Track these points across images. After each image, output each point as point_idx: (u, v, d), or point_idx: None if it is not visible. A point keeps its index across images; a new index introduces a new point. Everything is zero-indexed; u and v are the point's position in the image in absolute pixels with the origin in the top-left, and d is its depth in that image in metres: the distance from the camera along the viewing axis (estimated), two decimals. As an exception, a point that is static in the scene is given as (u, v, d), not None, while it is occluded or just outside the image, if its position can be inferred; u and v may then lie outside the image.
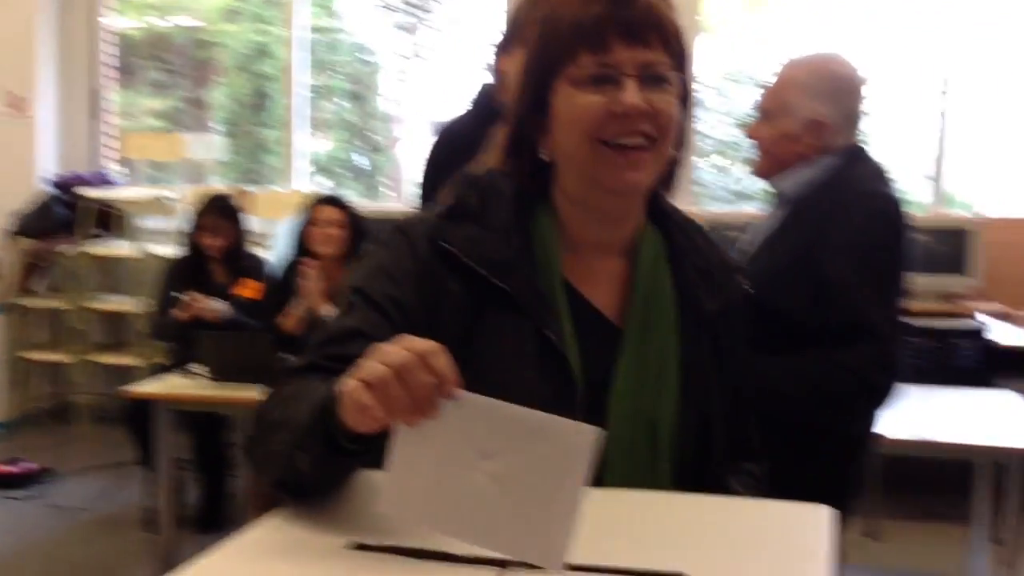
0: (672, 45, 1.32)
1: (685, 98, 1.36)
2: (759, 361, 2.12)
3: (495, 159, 1.47)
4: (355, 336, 1.30)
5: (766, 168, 2.38)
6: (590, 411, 1.30)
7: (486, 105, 2.71)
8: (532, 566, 1.02)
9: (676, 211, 1.49)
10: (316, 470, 1.15)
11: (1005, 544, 3.17)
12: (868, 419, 2.33)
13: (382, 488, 1.07)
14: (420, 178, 2.82)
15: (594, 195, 1.35)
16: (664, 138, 1.32)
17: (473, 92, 2.83)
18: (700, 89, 5.76)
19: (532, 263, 1.35)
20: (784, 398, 2.17)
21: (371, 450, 1.10)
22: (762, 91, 2.41)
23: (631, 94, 1.28)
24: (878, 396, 2.19)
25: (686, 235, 1.46)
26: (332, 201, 4.45)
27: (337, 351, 1.29)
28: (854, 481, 2.37)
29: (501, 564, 1.03)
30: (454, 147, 2.64)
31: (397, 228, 1.39)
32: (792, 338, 2.18)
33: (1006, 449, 3.02)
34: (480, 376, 1.06)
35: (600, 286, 1.40)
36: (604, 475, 1.30)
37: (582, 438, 1.03)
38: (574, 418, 1.27)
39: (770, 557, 1.05)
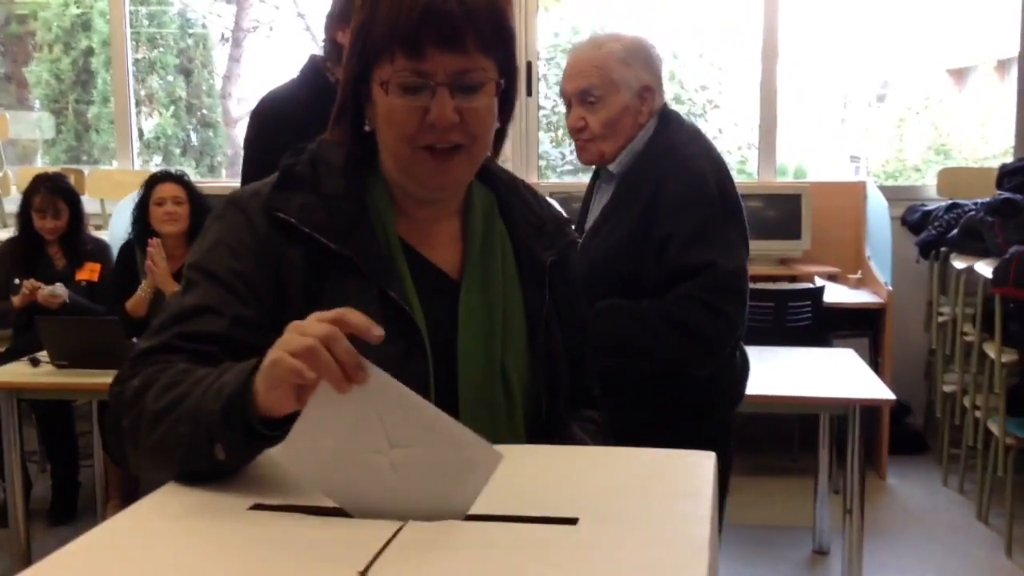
0: (489, 40, 1.31)
1: (509, 79, 1.38)
2: (604, 314, 2.23)
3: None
4: (202, 312, 1.30)
5: (610, 151, 2.40)
6: (440, 365, 1.34)
7: (315, 77, 2.68)
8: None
9: (501, 170, 1.54)
10: (235, 458, 1.14)
11: (843, 493, 3.36)
12: (726, 365, 2.42)
13: (287, 441, 1.07)
14: (249, 151, 2.73)
15: (412, 185, 1.39)
16: (478, 139, 1.34)
17: (300, 64, 2.78)
18: (540, 65, 5.83)
19: (368, 227, 1.36)
20: (642, 340, 2.25)
21: (287, 432, 1.10)
22: (570, 81, 2.41)
23: (442, 107, 1.29)
24: (724, 319, 2.24)
25: (514, 192, 1.52)
26: (171, 177, 4.31)
27: (187, 329, 1.28)
28: (717, 436, 2.46)
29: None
30: (285, 119, 2.57)
31: (230, 202, 1.38)
32: (638, 297, 2.27)
33: (847, 400, 3.20)
34: None
35: (438, 246, 1.43)
36: (463, 423, 1.34)
37: (487, 458, 1.06)
38: (426, 373, 1.32)
39: (657, 500, 1.10)
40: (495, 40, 1.32)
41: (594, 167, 2.53)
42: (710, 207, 2.27)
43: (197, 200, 4.27)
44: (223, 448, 1.13)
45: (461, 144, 1.33)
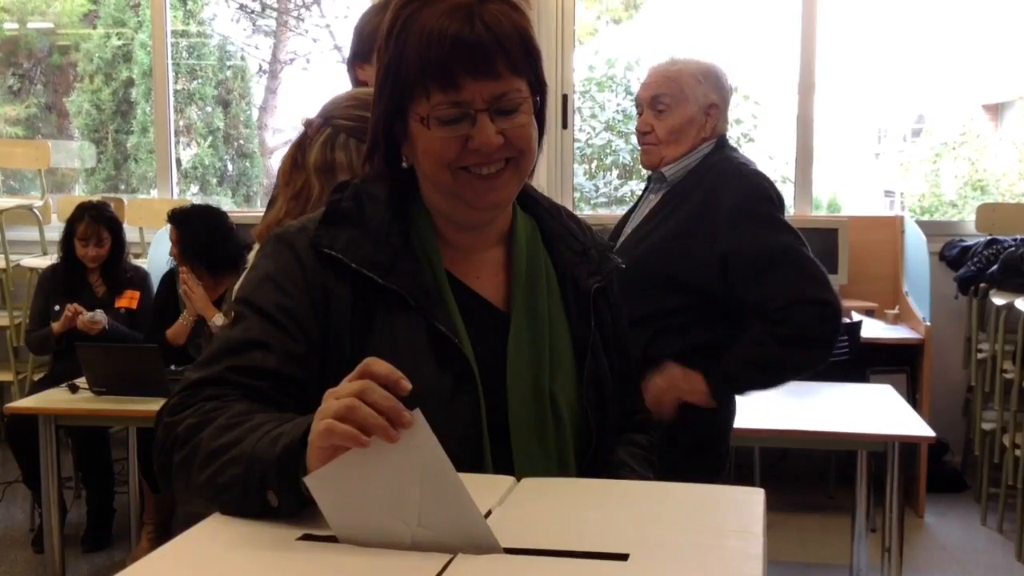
0: (518, 62, 1.32)
1: (541, 97, 1.38)
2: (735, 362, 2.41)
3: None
4: (252, 346, 1.30)
5: (670, 156, 2.55)
6: (489, 395, 1.34)
7: None
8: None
9: (543, 197, 1.54)
10: (287, 507, 1.14)
11: (880, 531, 3.32)
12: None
13: (322, 469, 1.06)
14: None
15: (459, 210, 1.39)
16: (523, 155, 1.34)
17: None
18: (575, 97, 5.85)
19: (414, 260, 1.36)
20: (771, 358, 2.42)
21: None
22: (645, 89, 2.58)
23: (485, 133, 1.29)
24: (831, 311, 2.40)
25: (558, 220, 1.51)
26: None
27: (238, 363, 1.29)
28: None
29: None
30: None
31: (278, 238, 1.39)
32: (682, 295, 2.43)
33: (886, 436, 3.16)
34: None
35: (483, 276, 1.43)
36: (515, 452, 1.35)
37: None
38: (477, 404, 1.32)
39: (707, 537, 1.09)
40: (524, 60, 1.32)
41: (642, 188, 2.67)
42: (768, 204, 2.43)
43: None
44: (276, 496, 1.13)
45: (509, 158, 1.33)
